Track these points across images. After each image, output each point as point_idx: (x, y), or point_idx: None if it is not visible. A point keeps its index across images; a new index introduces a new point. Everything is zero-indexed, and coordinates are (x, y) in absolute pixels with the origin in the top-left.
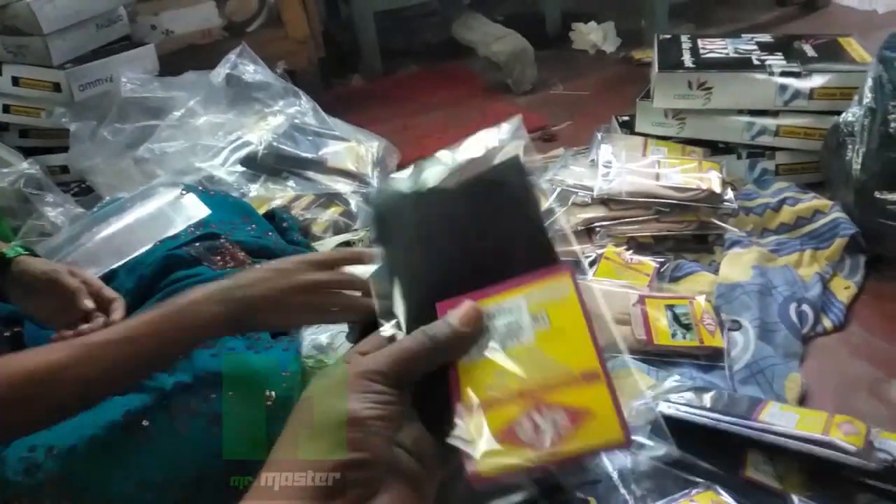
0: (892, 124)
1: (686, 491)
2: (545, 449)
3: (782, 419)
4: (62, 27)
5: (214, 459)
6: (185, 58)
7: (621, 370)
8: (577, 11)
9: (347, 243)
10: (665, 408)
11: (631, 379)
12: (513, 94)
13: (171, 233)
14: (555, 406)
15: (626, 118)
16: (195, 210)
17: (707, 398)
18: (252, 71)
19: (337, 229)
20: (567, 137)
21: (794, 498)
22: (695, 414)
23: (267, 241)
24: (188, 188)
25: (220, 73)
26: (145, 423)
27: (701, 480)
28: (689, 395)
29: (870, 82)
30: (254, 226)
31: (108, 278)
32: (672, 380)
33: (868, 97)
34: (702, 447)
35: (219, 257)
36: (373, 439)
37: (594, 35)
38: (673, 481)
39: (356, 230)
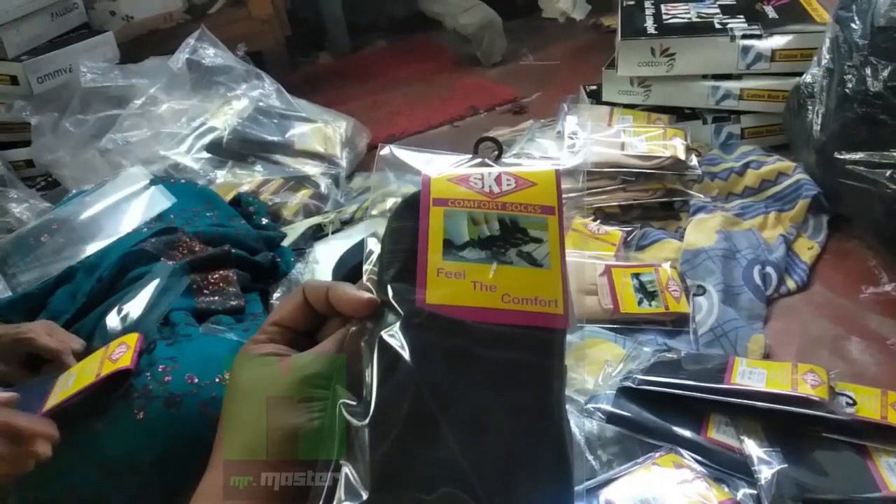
0: (849, 84)
1: (649, 454)
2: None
3: (752, 378)
4: (15, 18)
5: (173, 441)
6: (146, 44)
7: (590, 339)
8: None
9: (319, 226)
10: (635, 378)
11: (599, 347)
12: (482, 66)
13: (133, 227)
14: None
15: (594, 87)
16: (159, 202)
17: (676, 359)
18: (212, 55)
19: (307, 212)
20: (537, 109)
21: (754, 456)
22: (665, 384)
23: (228, 228)
24: (154, 181)
25: (180, 58)
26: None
27: (664, 444)
28: (658, 360)
29: (827, 43)
30: (216, 212)
31: (66, 278)
32: (643, 349)
33: (826, 58)
34: (667, 411)
35: (177, 251)
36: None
37: (563, 3)
38: (638, 446)
39: (327, 212)
